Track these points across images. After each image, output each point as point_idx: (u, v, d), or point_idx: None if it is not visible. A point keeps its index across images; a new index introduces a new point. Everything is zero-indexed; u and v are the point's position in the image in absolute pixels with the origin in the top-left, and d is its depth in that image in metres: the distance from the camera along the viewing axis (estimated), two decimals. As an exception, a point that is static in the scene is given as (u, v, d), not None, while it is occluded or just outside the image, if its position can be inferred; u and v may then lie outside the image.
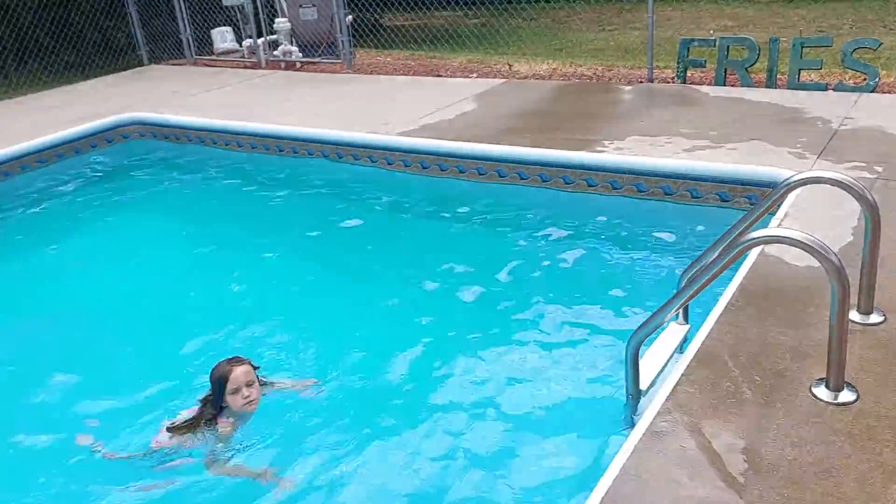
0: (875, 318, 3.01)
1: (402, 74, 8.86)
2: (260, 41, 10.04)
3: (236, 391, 3.16)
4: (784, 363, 2.77)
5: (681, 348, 3.27)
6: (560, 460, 2.91)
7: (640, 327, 2.89)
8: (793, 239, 2.53)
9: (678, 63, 7.07)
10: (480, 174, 5.64)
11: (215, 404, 3.20)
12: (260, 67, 9.93)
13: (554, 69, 8.30)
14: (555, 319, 3.90)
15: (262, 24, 10.02)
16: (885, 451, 2.30)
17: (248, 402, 3.18)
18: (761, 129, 5.47)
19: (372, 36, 10.32)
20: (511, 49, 9.85)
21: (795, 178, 3.02)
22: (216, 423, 3.19)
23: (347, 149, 6.27)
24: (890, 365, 2.71)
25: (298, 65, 9.84)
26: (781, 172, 4.52)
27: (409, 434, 3.15)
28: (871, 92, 6.23)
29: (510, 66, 8.61)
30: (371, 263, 4.87)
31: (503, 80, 7.88)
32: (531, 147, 5.48)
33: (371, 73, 9.09)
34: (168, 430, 3.20)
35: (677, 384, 2.71)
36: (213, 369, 3.24)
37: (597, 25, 12.78)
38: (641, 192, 5.03)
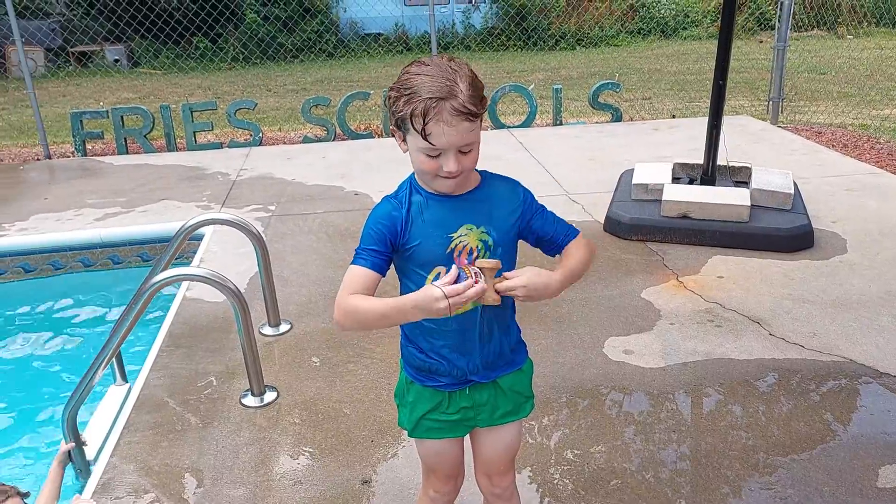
0: (284, 327, 3.55)
1: None
2: None
3: None
4: (216, 387, 3.05)
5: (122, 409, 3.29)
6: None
7: (71, 396, 2.82)
8: (191, 275, 2.83)
9: (74, 137, 6.95)
10: None
11: None
12: None
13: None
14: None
15: None
16: (302, 429, 2.76)
17: None
18: (168, 189, 5.80)
19: None
20: None
21: (191, 222, 3.35)
22: None
23: None
24: (298, 361, 3.24)
25: None
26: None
27: None
28: (259, 145, 7.20)
29: None
30: None
31: None
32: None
33: None
34: None
35: (119, 439, 2.74)
36: None
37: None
38: (59, 269, 4.81)
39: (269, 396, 2.96)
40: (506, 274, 1.51)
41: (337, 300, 1.55)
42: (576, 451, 2.57)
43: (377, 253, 1.60)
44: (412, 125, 1.46)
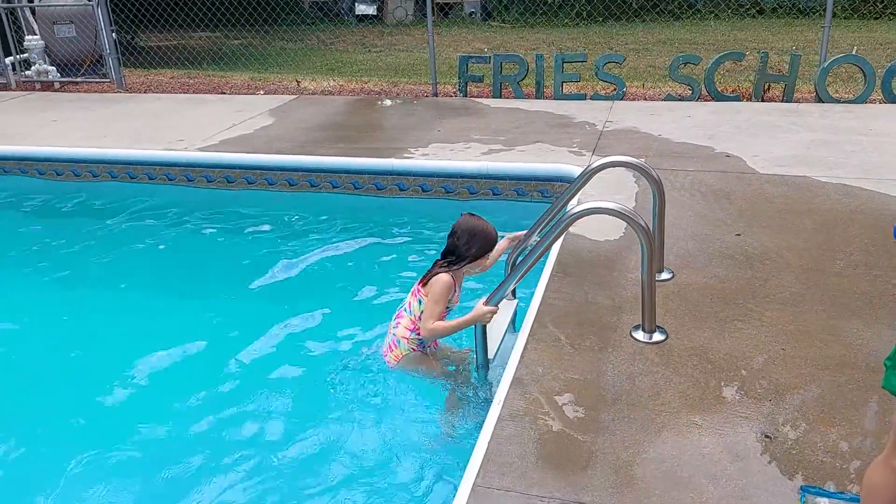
0: (665, 275, 3.63)
1: (181, 92, 8.56)
2: (8, 60, 9.14)
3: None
4: (605, 317, 3.26)
5: (514, 321, 3.66)
6: (432, 428, 3.13)
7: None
8: (609, 209, 3.01)
9: (459, 78, 7.69)
10: (291, 185, 5.70)
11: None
12: (10, 89, 9.02)
13: (341, 86, 8.55)
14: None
15: (11, 41, 9.12)
16: (695, 372, 2.83)
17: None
18: (540, 133, 6.18)
19: (129, 56, 9.91)
20: (287, 68, 9.94)
21: (598, 163, 3.57)
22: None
23: (141, 168, 5.98)
24: (684, 309, 3.31)
25: (57, 85, 9.09)
26: (565, 167, 5.22)
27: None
28: (621, 99, 7.29)
29: (298, 82, 8.71)
30: (189, 280, 4.73)
31: (293, 95, 7.97)
32: (342, 157, 5.67)
33: (147, 91, 8.67)
34: None
35: (526, 345, 3.07)
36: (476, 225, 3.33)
37: (361, 47, 13.31)
38: (449, 192, 5.44)
39: (658, 336, 3.08)
40: None
41: None
42: None
43: None
44: None
